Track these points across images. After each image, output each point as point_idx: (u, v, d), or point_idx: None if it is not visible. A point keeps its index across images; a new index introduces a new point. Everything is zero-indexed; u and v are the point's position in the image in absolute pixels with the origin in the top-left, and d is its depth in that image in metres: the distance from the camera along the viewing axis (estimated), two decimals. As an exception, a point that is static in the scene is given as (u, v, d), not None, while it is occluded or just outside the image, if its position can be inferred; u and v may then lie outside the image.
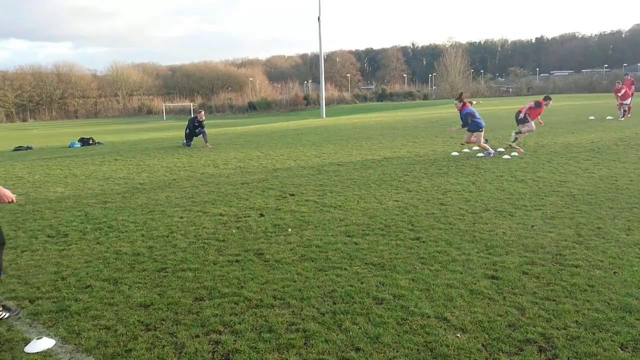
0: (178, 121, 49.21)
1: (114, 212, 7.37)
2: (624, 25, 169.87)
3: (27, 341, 3.49)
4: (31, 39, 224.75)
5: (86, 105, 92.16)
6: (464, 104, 11.64)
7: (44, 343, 3.41)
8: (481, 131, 11.59)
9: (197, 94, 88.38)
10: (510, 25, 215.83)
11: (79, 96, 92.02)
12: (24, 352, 3.36)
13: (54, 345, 3.42)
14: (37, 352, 3.34)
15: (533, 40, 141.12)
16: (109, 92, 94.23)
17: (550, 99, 13.35)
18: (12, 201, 3.87)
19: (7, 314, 3.89)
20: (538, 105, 12.91)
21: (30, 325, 3.76)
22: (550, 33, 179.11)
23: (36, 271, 4.95)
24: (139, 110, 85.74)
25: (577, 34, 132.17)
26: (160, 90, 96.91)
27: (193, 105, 67.54)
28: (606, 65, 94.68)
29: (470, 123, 11.47)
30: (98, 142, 21.12)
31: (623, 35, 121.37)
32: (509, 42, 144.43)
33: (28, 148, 20.06)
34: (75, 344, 3.44)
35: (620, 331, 3.30)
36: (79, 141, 20.99)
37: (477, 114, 11.54)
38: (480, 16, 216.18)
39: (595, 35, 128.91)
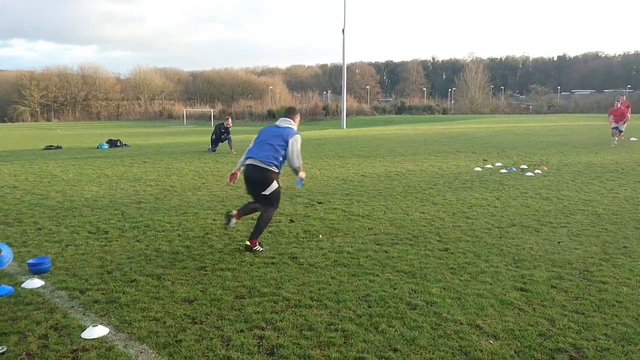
0: (198, 126, 49.93)
1: (149, 212, 7.66)
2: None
3: (82, 328, 3.73)
4: (59, 41, 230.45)
5: (109, 108, 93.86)
6: None
7: (100, 330, 3.65)
8: None
9: (218, 101, 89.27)
10: (532, 43, 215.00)
11: (102, 98, 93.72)
12: (81, 337, 3.60)
13: (108, 333, 3.66)
14: (94, 338, 3.57)
15: (555, 58, 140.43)
16: (131, 96, 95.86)
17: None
18: None
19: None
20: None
21: (84, 314, 4.01)
22: (573, 51, 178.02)
23: (82, 264, 5.22)
24: (159, 114, 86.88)
25: (600, 53, 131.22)
26: (182, 95, 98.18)
27: (213, 111, 68.32)
28: (629, 86, 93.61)
29: None
30: (125, 145, 21.63)
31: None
32: (531, 59, 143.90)
33: (58, 147, 20.62)
34: (128, 333, 3.67)
35: (649, 345, 3.42)
36: (106, 143, 21.52)
37: None
38: (502, 32, 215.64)
39: (618, 55, 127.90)
